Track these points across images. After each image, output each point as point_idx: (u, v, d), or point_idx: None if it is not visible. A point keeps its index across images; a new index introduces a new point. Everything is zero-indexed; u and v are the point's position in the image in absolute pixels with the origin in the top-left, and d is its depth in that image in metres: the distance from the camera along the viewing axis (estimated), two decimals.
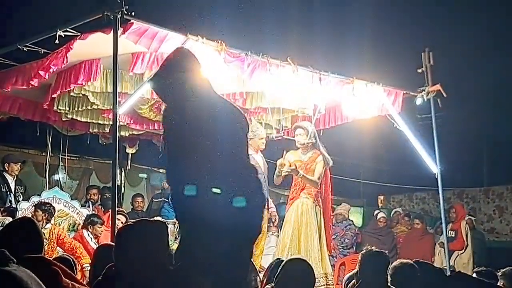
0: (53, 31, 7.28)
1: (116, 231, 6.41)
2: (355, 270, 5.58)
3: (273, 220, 9.80)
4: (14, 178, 10.45)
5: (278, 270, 4.91)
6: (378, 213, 13.36)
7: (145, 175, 15.54)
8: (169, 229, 4.42)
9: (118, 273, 3.62)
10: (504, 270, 6.82)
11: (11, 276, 2.98)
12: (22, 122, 10.42)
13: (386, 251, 6.10)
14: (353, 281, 5.75)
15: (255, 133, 9.27)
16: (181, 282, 3.70)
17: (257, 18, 13.90)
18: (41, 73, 7.70)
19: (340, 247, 11.76)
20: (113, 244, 4.38)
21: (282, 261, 5.37)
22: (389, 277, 5.35)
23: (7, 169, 10.38)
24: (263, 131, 9.41)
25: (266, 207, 9.50)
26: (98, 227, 9.66)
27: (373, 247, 5.60)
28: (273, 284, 4.88)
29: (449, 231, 11.78)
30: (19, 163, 10.60)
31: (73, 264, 5.39)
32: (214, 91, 4.40)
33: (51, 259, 4.44)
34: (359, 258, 5.45)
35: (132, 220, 4.54)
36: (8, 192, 10.11)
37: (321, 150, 9.03)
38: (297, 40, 12.83)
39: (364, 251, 5.50)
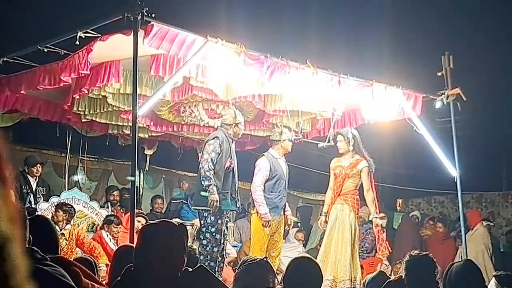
0: (73, 32, 7.30)
1: (136, 232, 6.45)
2: (402, 277, 5.50)
3: (289, 223, 9.84)
4: (36, 179, 10.50)
5: (285, 270, 4.93)
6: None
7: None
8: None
9: (137, 273, 3.64)
10: None
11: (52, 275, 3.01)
12: (42, 123, 10.47)
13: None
14: None
15: (283, 136, 9.33)
16: (198, 284, 3.71)
17: (277, 21, 13.90)
18: (65, 76, 7.78)
19: (359, 251, 11.75)
20: (133, 245, 4.40)
21: None
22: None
23: (27, 170, 10.43)
24: (290, 135, 9.45)
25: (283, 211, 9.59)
26: (114, 226, 9.70)
27: (416, 251, 5.54)
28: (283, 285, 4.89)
29: None
30: (40, 165, 10.63)
31: (94, 265, 5.42)
32: None
33: (70, 259, 4.44)
34: (404, 265, 5.38)
35: (152, 222, 4.55)
36: (29, 193, 10.16)
37: (364, 155, 9.11)
38: (316, 43, 12.82)
39: (408, 257, 5.41)
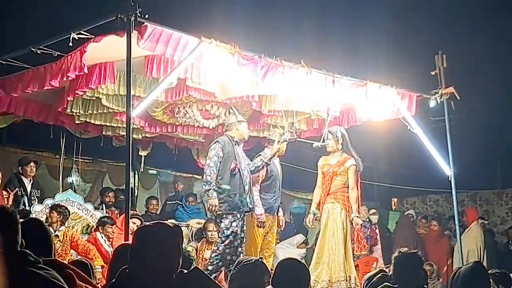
0: (67, 33, 7.27)
1: (131, 234, 6.43)
2: (390, 273, 5.62)
3: (280, 224, 9.87)
4: (30, 180, 10.40)
5: (273, 271, 4.98)
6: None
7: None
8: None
9: (131, 275, 3.62)
10: None
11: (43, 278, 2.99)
12: (36, 124, 10.42)
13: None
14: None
15: (283, 138, 9.34)
16: (193, 285, 3.70)
17: (271, 21, 13.89)
18: (58, 78, 7.75)
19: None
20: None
21: None
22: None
23: (21, 171, 10.34)
24: (286, 136, 9.45)
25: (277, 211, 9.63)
26: (108, 227, 9.67)
27: (405, 249, 5.63)
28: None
29: None
30: (34, 163, 10.50)
31: (90, 268, 5.38)
32: None
33: (66, 262, 4.42)
34: (393, 261, 5.47)
35: (147, 223, 4.53)
36: (23, 195, 10.08)
37: (352, 154, 9.09)
38: (310, 43, 12.82)
39: (397, 253, 5.51)
